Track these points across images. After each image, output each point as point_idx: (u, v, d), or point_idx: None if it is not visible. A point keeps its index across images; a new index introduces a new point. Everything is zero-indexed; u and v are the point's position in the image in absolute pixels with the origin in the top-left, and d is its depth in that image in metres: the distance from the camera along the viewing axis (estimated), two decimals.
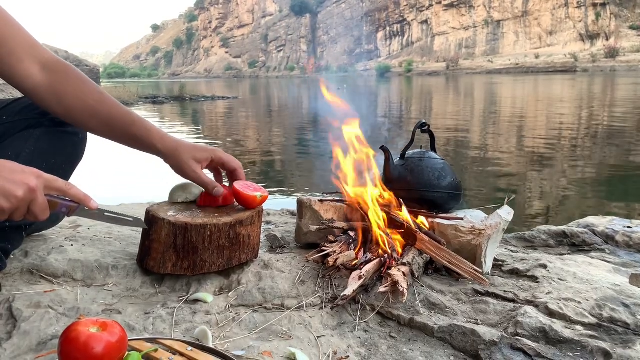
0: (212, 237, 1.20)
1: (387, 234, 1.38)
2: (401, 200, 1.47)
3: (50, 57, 1.12)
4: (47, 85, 1.10)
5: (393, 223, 1.43)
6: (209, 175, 1.26)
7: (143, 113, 15.53)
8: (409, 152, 1.61)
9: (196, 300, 1.17)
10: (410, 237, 1.39)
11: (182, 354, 0.84)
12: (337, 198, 1.57)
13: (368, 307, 1.18)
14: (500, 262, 1.44)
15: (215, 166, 1.25)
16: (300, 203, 1.52)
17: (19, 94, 1.19)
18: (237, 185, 1.27)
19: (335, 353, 1.01)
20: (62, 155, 1.19)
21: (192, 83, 44.98)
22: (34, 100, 1.12)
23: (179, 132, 10.18)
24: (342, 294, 1.15)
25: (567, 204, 4.32)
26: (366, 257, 1.31)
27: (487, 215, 1.50)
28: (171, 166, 1.18)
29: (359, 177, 1.54)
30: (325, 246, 1.34)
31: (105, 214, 0.99)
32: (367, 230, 1.42)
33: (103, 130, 1.15)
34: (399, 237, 1.39)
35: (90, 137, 1.26)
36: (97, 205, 0.96)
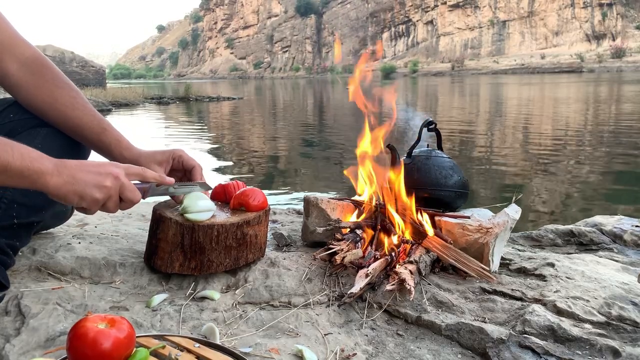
0: (219, 237, 1.20)
1: (394, 232, 1.38)
2: (408, 198, 1.47)
3: (30, 56, 1.13)
4: (21, 87, 1.12)
5: (400, 221, 1.43)
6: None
7: (149, 113, 15.58)
8: (416, 151, 1.61)
9: (203, 298, 1.17)
10: (417, 236, 1.39)
11: (189, 351, 0.84)
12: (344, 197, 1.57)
13: (375, 305, 1.18)
14: (508, 261, 1.43)
15: (178, 166, 1.24)
16: (307, 201, 1.52)
17: None
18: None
19: (343, 350, 1.01)
20: (69, 154, 1.19)
21: (197, 84, 45.02)
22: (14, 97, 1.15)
23: (185, 132, 10.19)
24: (349, 292, 1.15)
25: (574, 203, 4.30)
26: (373, 255, 1.31)
27: (494, 214, 1.49)
28: None
29: (367, 174, 1.54)
30: (332, 244, 1.34)
31: (174, 187, 1.15)
32: (374, 229, 1.42)
33: (74, 135, 1.16)
34: (406, 235, 1.39)
35: None
36: (173, 181, 1.11)
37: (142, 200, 1.05)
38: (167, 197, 1.26)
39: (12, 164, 0.85)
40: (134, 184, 1.01)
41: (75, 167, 0.92)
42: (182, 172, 1.25)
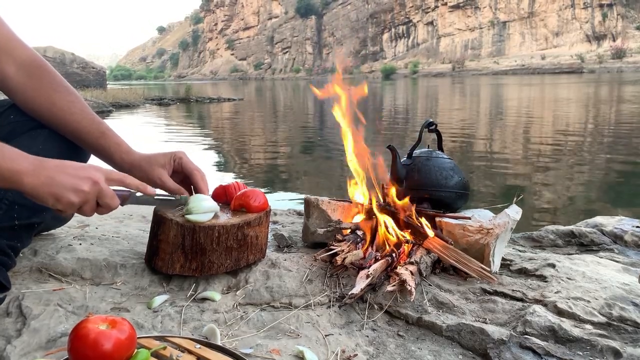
0: (220, 238, 1.20)
1: (395, 233, 1.38)
2: (409, 199, 1.47)
3: (27, 57, 1.12)
4: (19, 90, 1.11)
5: (401, 222, 1.43)
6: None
7: (149, 115, 15.59)
8: (416, 152, 1.61)
9: (204, 299, 1.17)
10: (418, 236, 1.39)
11: (190, 352, 0.85)
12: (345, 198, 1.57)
13: (376, 306, 1.18)
14: (508, 262, 1.43)
15: (178, 168, 1.22)
16: (307, 202, 1.52)
17: None
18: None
19: (344, 351, 1.01)
20: (70, 155, 1.19)
21: (197, 85, 45.02)
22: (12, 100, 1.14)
23: (185, 133, 10.20)
24: (350, 293, 1.15)
25: (574, 204, 4.30)
26: (374, 256, 1.31)
27: (494, 215, 1.49)
28: (138, 179, 1.17)
29: (368, 176, 1.54)
30: (333, 245, 1.34)
31: (155, 197, 1.11)
32: (375, 230, 1.42)
33: (74, 139, 1.15)
34: (407, 236, 1.39)
35: None
36: (154, 191, 1.09)
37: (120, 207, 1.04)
38: (148, 206, 1.24)
39: None
40: (114, 190, 0.99)
41: (54, 168, 0.91)
42: (183, 174, 1.25)
